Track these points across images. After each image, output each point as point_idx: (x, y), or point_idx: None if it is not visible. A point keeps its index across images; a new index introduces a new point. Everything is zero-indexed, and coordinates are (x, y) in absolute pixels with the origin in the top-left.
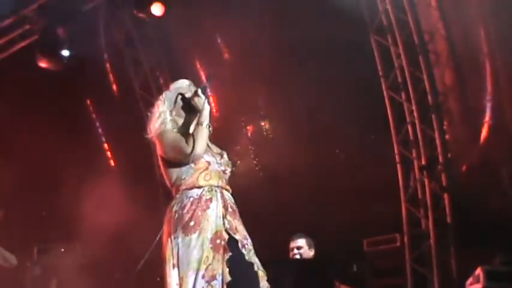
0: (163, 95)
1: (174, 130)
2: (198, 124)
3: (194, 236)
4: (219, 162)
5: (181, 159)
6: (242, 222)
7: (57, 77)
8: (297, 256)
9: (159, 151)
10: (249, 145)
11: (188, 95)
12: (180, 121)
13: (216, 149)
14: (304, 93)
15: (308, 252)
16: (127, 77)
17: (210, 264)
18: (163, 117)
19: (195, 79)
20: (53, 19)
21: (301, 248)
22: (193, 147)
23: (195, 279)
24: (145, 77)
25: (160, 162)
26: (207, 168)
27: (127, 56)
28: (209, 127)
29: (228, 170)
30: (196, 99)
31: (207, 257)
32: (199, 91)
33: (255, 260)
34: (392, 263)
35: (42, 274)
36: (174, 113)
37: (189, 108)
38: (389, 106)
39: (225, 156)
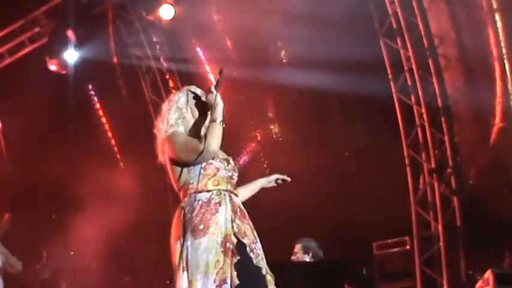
0: (177, 94)
1: (184, 133)
2: (211, 121)
3: (204, 239)
4: (227, 168)
5: (194, 159)
6: (252, 224)
7: (66, 80)
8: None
9: (169, 153)
10: (259, 148)
11: (202, 98)
12: (192, 122)
13: (222, 154)
14: (313, 96)
15: (303, 257)
16: (136, 80)
17: (221, 268)
18: (180, 112)
19: (204, 82)
20: (62, 22)
21: (296, 253)
22: (207, 144)
23: (205, 283)
24: (155, 80)
25: (169, 165)
26: (215, 174)
27: (136, 59)
28: (223, 123)
29: (236, 175)
30: (209, 95)
31: (218, 260)
32: (212, 87)
33: (263, 265)
34: (402, 265)
35: (52, 277)
36: (188, 110)
37: (201, 109)
38: (398, 109)
39: (231, 161)
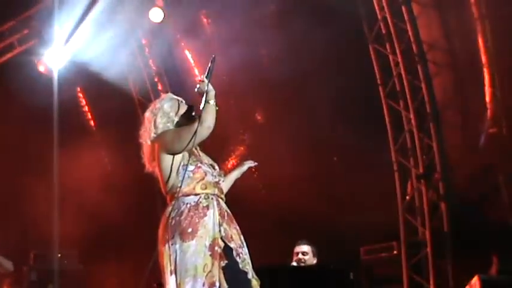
0: (158, 102)
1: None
2: (206, 102)
3: (192, 242)
4: (214, 174)
5: (188, 140)
6: (239, 229)
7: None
8: (301, 261)
9: (161, 149)
10: (247, 152)
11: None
12: (177, 125)
13: (207, 160)
14: (302, 101)
15: (312, 260)
16: (125, 83)
17: (210, 271)
18: (168, 117)
19: (193, 86)
20: (52, 24)
21: (307, 254)
22: (202, 120)
23: (194, 286)
24: (144, 83)
25: (157, 168)
26: (203, 178)
27: (125, 62)
28: (216, 106)
29: (222, 180)
30: (201, 84)
31: (207, 264)
32: (203, 76)
33: (249, 269)
34: (389, 271)
35: (39, 279)
36: (174, 114)
37: (185, 114)
38: (387, 114)
39: (217, 167)
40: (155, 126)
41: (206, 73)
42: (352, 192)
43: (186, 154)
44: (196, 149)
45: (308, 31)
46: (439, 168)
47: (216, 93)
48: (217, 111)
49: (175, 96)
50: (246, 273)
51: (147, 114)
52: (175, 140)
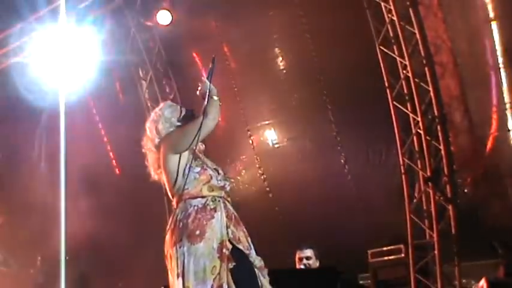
0: (158, 111)
1: None
2: (210, 97)
3: (200, 245)
4: (219, 178)
5: (195, 133)
6: (246, 231)
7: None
8: (306, 267)
9: (167, 150)
10: (254, 155)
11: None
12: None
13: (211, 164)
14: (309, 103)
15: (315, 263)
16: (133, 85)
17: (218, 273)
18: (170, 122)
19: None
20: (58, 27)
21: (311, 258)
22: (206, 113)
23: None
24: (152, 86)
25: (163, 171)
26: (209, 181)
27: (133, 64)
28: (220, 101)
29: (227, 184)
30: (201, 85)
31: (215, 266)
32: (204, 77)
33: (257, 271)
34: (396, 274)
35: (46, 282)
36: (177, 122)
37: (184, 120)
38: (394, 117)
39: (221, 171)
40: (158, 133)
41: (207, 76)
42: (360, 194)
43: (190, 157)
44: (200, 152)
45: (316, 33)
46: (446, 171)
47: (218, 91)
48: (220, 106)
49: (174, 103)
50: (254, 274)
51: (148, 124)
52: (180, 136)
